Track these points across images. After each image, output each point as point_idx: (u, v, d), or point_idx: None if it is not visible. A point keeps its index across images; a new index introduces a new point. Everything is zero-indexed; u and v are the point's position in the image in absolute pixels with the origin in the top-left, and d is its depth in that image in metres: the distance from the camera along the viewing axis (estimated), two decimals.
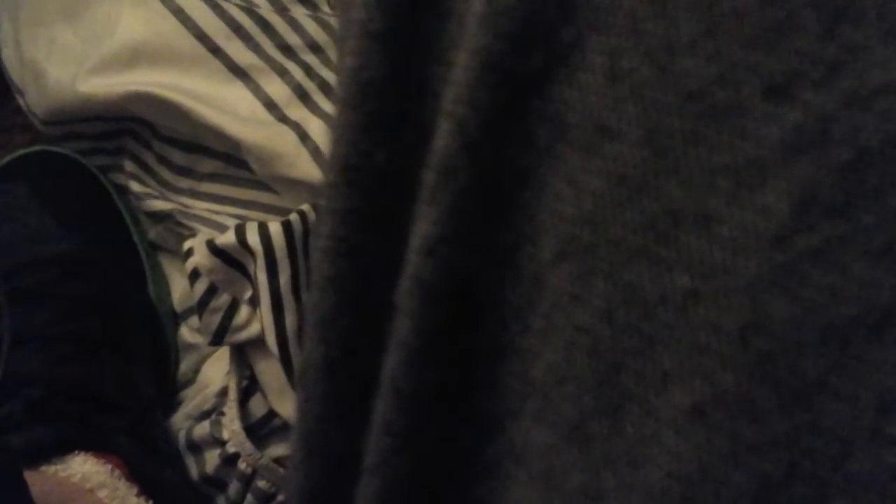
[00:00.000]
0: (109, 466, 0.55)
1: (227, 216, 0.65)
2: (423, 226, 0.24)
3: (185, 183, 0.66)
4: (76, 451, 0.55)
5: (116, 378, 0.60)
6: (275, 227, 0.59)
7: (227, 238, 0.59)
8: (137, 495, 0.55)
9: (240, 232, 0.59)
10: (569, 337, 0.24)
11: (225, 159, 0.65)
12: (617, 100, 0.23)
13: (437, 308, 0.25)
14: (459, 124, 0.24)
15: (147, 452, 0.58)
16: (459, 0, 0.26)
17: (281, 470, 0.62)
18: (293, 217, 0.60)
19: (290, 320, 0.59)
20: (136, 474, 0.56)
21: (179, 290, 0.69)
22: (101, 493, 0.54)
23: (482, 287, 0.25)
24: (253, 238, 0.59)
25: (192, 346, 0.68)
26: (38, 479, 0.49)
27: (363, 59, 0.26)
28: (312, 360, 0.27)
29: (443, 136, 0.25)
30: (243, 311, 0.60)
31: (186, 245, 0.60)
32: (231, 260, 0.59)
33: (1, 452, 0.49)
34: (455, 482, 0.26)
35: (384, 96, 0.26)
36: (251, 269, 0.59)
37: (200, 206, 0.66)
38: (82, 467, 0.54)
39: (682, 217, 0.23)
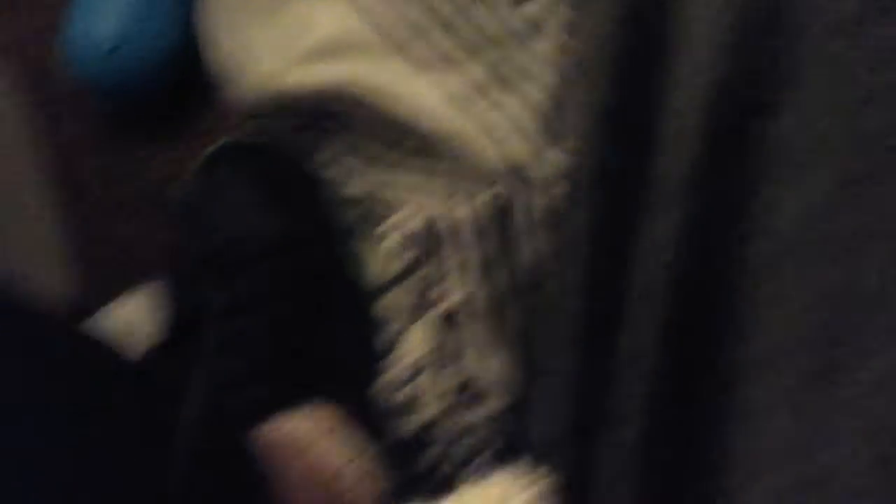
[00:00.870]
0: (325, 424, 0.60)
1: (416, 201, 0.70)
2: (660, 227, 0.28)
3: (378, 171, 0.71)
4: (295, 408, 0.61)
5: (328, 344, 0.66)
6: (465, 210, 0.63)
7: (422, 219, 0.64)
8: (351, 450, 0.60)
9: (433, 213, 0.64)
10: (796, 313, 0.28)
11: (414, 151, 0.70)
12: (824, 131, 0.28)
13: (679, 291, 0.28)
14: (692, 142, 0.28)
15: (357, 413, 0.64)
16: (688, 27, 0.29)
17: (475, 437, 0.67)
18: (482, 200, 0.64)
19: (481, 294, 0.64)
20: (351, 431, 0.61)
21: (374, 269, 0.74)
22: (319, 448, 0.59)
23: (716, 276, 0.28)
24: (446, 219, 0.63)
25: (387, 321, 0.73)
26: (261, 435, 0.55)
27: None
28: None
29: (676, 153, 0.28)
30: (440, 285, 0.65)
31: (384, 226, 0.65)
32: (426, 239, 0.64)
33: (223, 413, 0.55)
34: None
35: (626, 113, 0.30)
36: (445, 247, 0.64)
37: (391, 194, 0.70)
38: (301, 423, 0.60)
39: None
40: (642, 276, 0.29)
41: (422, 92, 0.66)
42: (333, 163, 0.73)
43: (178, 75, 0.78)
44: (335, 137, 0.73)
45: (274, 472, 0.53)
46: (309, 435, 0.60)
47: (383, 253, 0.66)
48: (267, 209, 0.71)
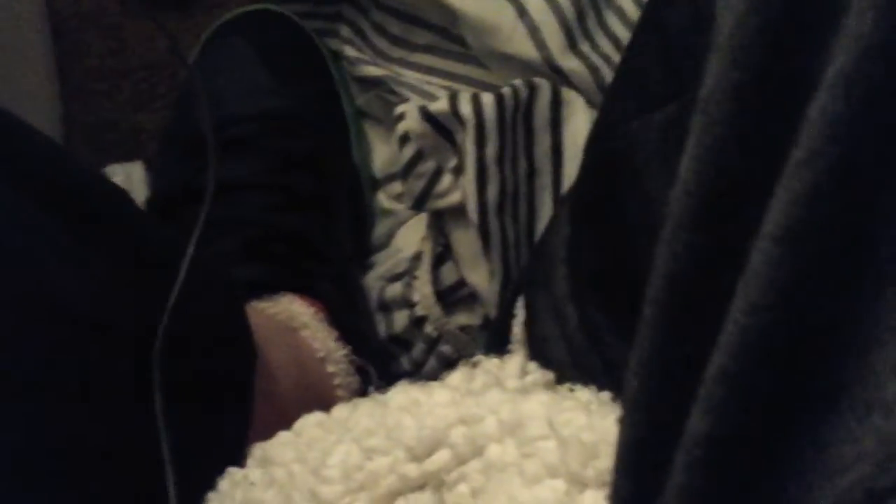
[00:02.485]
0: (313, 310, 0.57)
1: (437, 87, 0.66)
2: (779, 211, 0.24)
3: (398, 52, 0.68)
4: (284, 292, 0.57)
5: (322, 231, 0.62)
6: (487, 99, 0.60)
7: (440, 105, 0.60)
8: (336, 340, 0.57)
9: (452, 100, 0.60)
10: None
11: (440, 32, 0.66)
12: None
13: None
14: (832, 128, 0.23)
15: (347, 303, 0.61)
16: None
17: (465, 337, 0.64)
18: (506, 91, 0.60)
19: (492, 191, 0.60)
20: (336, 321, 0.58)
21: (381, 157, 0.71)
22: (304, 333, 0.56)
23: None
24: (465, 107, 0.60)
25: (387, 212, 0.70)
26: (249, 313, 0.52)
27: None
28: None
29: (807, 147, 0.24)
30: (446, 179, 0.62)
31: (399, 109, 0.61)
32: (441, 127, 0.61)
33: (229, 285, 0.52)
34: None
35: (751, 102, 0.26)
36: (459, 137, 0.61)
37: (412, 76, 0.67)
38: (290, 306, 0.57)
39: None
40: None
41: None
42: (352, 41, 0.70)
43: None
44: (357, 14, 0.69)
45: (261, 349, 0.51)
46: (299, 317, 0.57)
47: (395, 137, 0.63)
48: (275, 86, 0.68)
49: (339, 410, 0.38)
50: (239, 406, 0.48)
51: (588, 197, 0.39)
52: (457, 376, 0.34)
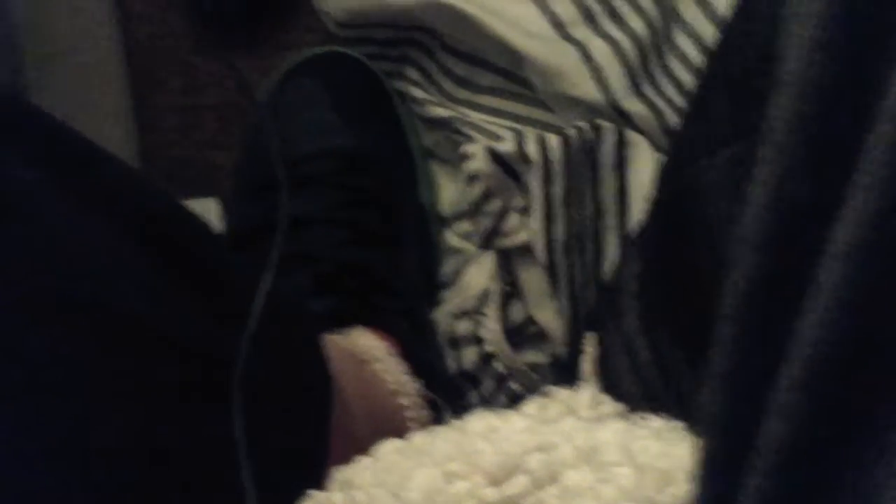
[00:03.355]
0: (385, 343, 0.59)
1: (502, 128, 0.68)
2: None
3: (464, 94, 0.70)
4: (356, 325, 0.59)
5: (391, 266, 0.64)
6: (554, 139, 0.61)
7: (507, 145, 0.62)
8: (407, 373, 0.58)
9: (519, 141, 0.62)
10: None
11: (504, 74, 0.68)
12: None
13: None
14: None
15: (417, 338, 0.62)
16: None
17: (533, 375, 0.65)
18: (572, 132, 0.62)
19: (559, 230, 0.62)
20: (407, 355, 0.59)
21: (448, 196, 0.72)
22: (376, 366, 0.58)
23: None
24: (532, 148, 0.61)
25: (454, 251, 0.71)
26: (325, 346, 0.53)
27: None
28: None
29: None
30: (513, 218, 0.63)
31: (467, 149, 0.63)
32: (508, 167, 0.62)
33: (306, 317, 0.54)
34: None
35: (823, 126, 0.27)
36: (526, 177, 0.62)
37: (478, 117, 0.69)
38: (361, 340, 0.58)
39: None
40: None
41: (525, 14, 0.64)
42: (419, 82, 0.71)
43: None
44: (424, 56, 0.71)
45: (336, 381, 0.52)
46: (371, 351, 0.59)
47: (462, 177, 0.64)
48: (345, 125, 0.70)
49: (417, 437, 0.39)
50: (318, 432, 0.50)
51: (658, 232, 0.40)
52: (532, 405, 0.36)
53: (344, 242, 0.63)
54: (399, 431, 0.57)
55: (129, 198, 0.44)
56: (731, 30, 0.38)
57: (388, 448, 0.40)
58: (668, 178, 0.41)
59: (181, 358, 0.43)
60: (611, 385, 0.40)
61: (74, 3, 0.74)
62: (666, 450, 0.30)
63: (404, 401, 0.58)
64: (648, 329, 0.38)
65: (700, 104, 0.41)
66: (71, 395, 0.38)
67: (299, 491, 0.41)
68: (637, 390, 0.38)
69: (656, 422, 0.33)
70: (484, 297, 0.66)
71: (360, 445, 0.44)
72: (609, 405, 0.36)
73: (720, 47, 0.40)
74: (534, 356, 0.66)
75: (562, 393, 0.36)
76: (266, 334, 0.46)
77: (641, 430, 0.32)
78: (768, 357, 0.26)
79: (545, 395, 0.37)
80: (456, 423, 0.36)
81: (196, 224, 0.48)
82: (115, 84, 0.78)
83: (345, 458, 0.43)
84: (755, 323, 0.27)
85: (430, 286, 0.70)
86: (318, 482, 0.40)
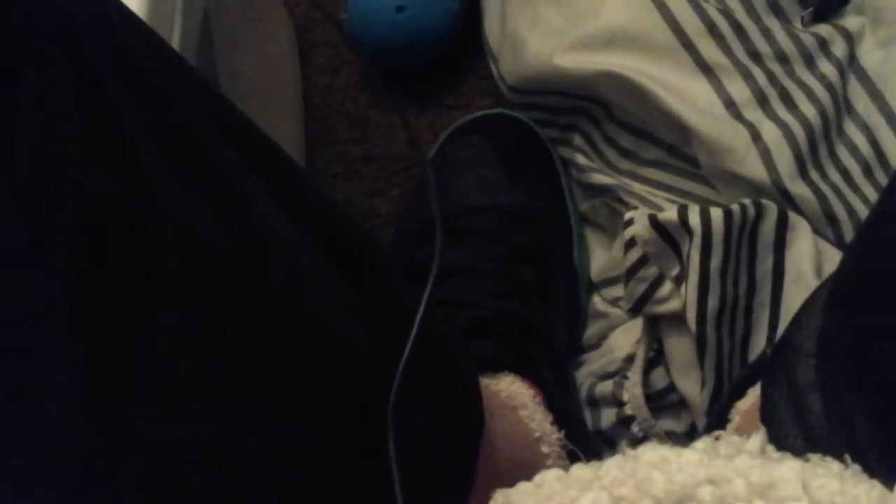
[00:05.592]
0: (532, 392, 0.60)
1: (663, 200, 0.69)
2: None
3: (627, 165, 0.72)
4: (507, 372, 0.61)
5: (542, 320, 0.66)
6: (716, 213, 0.63)
7: (669, 215, 0.63)
8: (552, 423, 0.60)
9: (682, 211, 0.63)
10: None
11: (668, 149, 0.70)
12: None
13: None
14: None
15: (563, 390, 0.64)
16: None
17: (670, 442, 0.65)
18: (735, 207, 0.63)
19: (712, 302, 0.63)
20: (552, 405, 0.61)
21: (598, 262, 0.74)
22: (522, 413, 0.59)
23: None
24: (694, 219, 0.63)
25: (600, 315, 0.72)
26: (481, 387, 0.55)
27: None
28: None
29: None
30: (667, 286, 0.65)
31: (629, 215, 0.65)
32: (667, 235, 0.64)
33: (464, 353, 0.56)
34: None
35: None
36: (685, 247, 0.63)
37: (640, 188, 0.70)
38: (511, 386, 0.60)
39: None
40: None
41: (700, 92, 0.66)
42: (583, 149, 0.74)
43: (453, 42, 0.80)
44: (591, 125, 0.73)
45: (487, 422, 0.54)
46: (519, 397, 0.60)
47: (616, 243, 0.66)
48: (508, 183, 0.72)
49: (578, 469, 0.40)
50: (466, 466, 0.51)
51: (852, 284, 0.41)
52: (702, 443, 0.37)
53: (498, 293, 0.65)
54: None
55: (330, 223, 0.46)
56: None
57: (549, 476, 0.41)
58: (870, 228, 0.42)
59: (365, 382, 0.45)
60: (776, 439, 0.41)
61: (263, 49, 0.78)
62: (846, 489, 0.31)
63: (546, 449, 0.59)
64: (823, 383, 0.39)
65: None
66: (276, 399, 0.40)
67: None
68: (803, 445, 0.39)
69: (835, 464, 0.34)
70: (628, 360, 0.68)
71: (500, 485, 0.45)
72: (777, 453, 0.36)
73: None
74: (672, 424, 0.67)
75: (732, 436, 0.37)
76: (427, 363, 0.47)
77: (820, 468, 0.33)
78: None
79: (714, 437, 0.38)
80: (628, 451, 0.37)
81: (366, 234, 0.51)
82: (293, 133, 0.82)
83: (486, 496, 0.44)
84: None
85: (574, 347, 0.72)
86: None
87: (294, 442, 0.42)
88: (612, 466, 0.36)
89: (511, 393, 0.60)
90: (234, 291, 0.39)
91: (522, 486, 0.41)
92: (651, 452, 0.36)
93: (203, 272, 0.37)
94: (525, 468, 0.58)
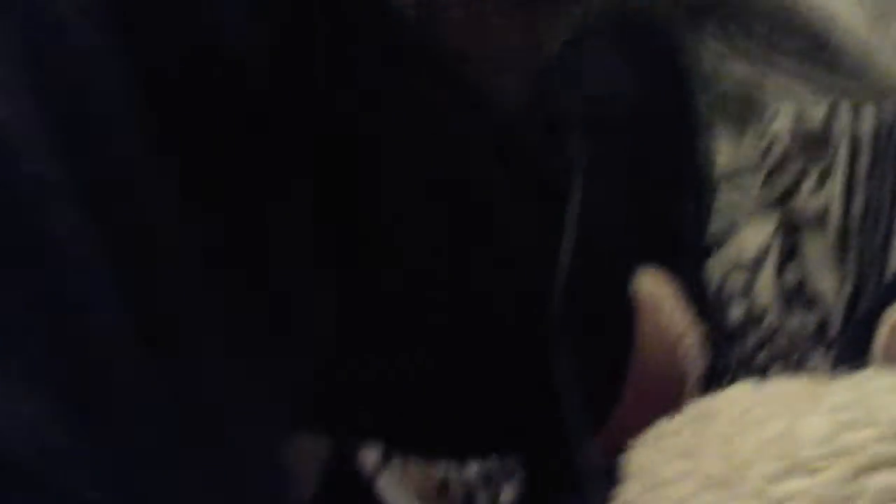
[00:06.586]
0: (673, 288, 0.60)
1: (804, 93, 0.68)
2: None
3: (766, 55, 0.70)
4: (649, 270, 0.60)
5: (672, 218, 0.65)
6: (868, 112, 0.61)
7: (819, 111, 0.62)
8: (691, 318, 0.60)
9: (832, 109, 0.62)
10: None
11: (811, 40, 0.68)
12: None
13: None
14: None
15: (700, 289, 0.64)
16: None
17: (799, 337, 0.65)
18: (889, 106, 0.62)
19: (858, 204, 0.62)
20: (689, 301, 0.61)
21: (725, 154, 0.73)
22: (668, 310, 0.59)
23: None
24: (844, 117, 0.61)
25: (728, 207, 0.72)
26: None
27: None
28: None
29: None
30: (811, 182, 0.63)
31: (775, 108, 0.63)
32: (815, 131, 0.62)
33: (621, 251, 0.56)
34: None
35: None
36: (833, 145, 0.62)
37: (779, 80, 0.69)
38: (653, 284, 0.59)
39: None
40: None
41: None
42: (717, 38, 0.72)
43: None
44: (726, 17, 0.71)
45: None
46: (660, 296, 0.60)
47: (756, 134, 0.65)
48: (635, 76, 0.70)
49: (770, 385, 0.40)
50: (618, 368, 0.52)
51: None
52: None
53: (635, 192, 0.65)
54: (681, 376, 0.59)
55: None
56: None
57: (740, 390, 0.41)
58: None
59: None
60: None
61: None
62: None
63: (688, 344, 0.59)
64: None
65: None
66: None
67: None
68: None
69: None
70: (762, 254, 0.67)
71: (643, 384, 0.46)
72: None
73: None
74: (801, 320, 0.67)
75: None
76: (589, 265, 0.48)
77: None
78: None
79: None
80: (855, 376, 0.37)
81: None
82: None
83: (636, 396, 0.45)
84: None
85: (702, 241, 0.71)
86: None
87: None
88: (840, 389, 0.36)
89: (655, 290, 0.59)
90: None
91: (717, 398, 0.41)
92: (883, 378, 0.35)
93: None
94: (669, 367, 0.59)
